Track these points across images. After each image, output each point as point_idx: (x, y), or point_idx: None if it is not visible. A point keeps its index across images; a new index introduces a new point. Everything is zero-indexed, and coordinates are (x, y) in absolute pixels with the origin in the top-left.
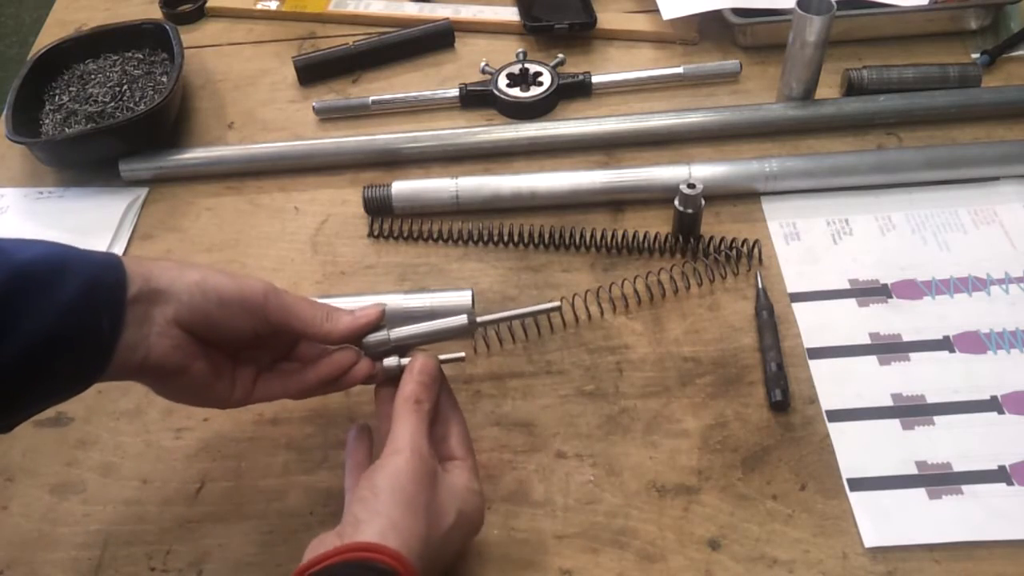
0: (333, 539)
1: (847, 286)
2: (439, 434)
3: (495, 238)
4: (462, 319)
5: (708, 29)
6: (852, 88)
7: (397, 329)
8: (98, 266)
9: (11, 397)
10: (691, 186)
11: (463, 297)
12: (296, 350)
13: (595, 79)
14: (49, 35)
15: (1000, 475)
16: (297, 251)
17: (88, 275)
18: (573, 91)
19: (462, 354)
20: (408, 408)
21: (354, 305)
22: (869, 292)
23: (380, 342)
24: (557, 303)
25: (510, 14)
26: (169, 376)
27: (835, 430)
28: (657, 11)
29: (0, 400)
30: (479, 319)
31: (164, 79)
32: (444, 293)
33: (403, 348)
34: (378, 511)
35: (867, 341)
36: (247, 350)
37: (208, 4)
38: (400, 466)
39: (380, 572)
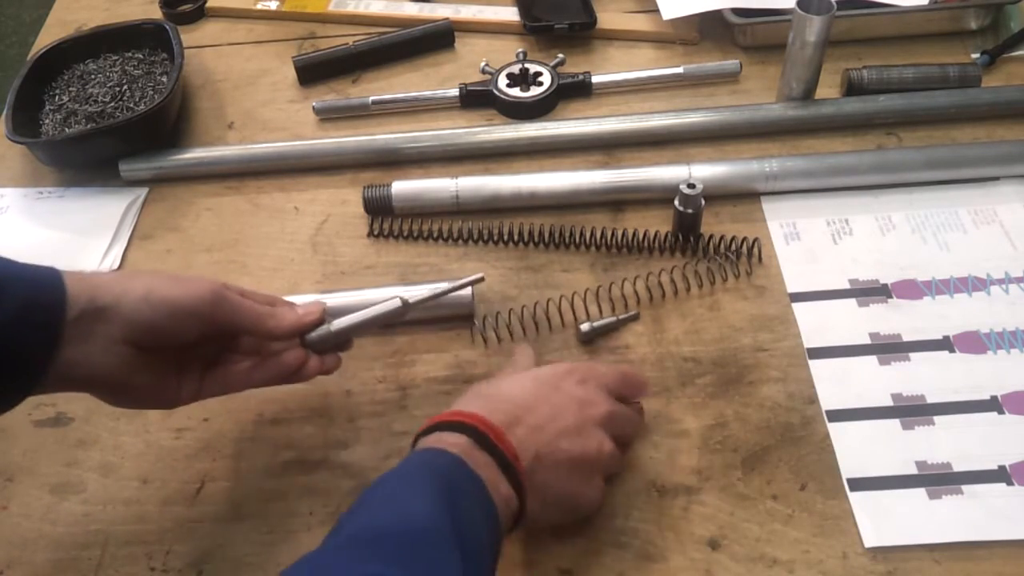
0: None
1: (847, 286)
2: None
3: (495, 238)
4: (396, 302)
5: (708, 29)
6: (852, 88)
7: (336, 321)
8: (35, 286)
9: None
10: (691, 186)
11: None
12: (238, 341)
13: (595, 79)
14: (49, 35)
15: (1000, 475)
16: (297, 251)
17: (24, 296)
18: (573, 91)
19: (480, 275)
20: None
21: (359, 299)
22: (869, 292)
23: (322, 337)
24: (480, 275)
25: (510, 14)
26: (113, 390)
27: (835, 430)
28: (657, 11)
29: None
30: (411, 300)
31: (164, 79)
32: (445, 284)
33: (344, 340)
34: (466, 396)
35: (867, 341)
36: (190, 349)
37: (208, 4)
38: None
39: (459, 426)
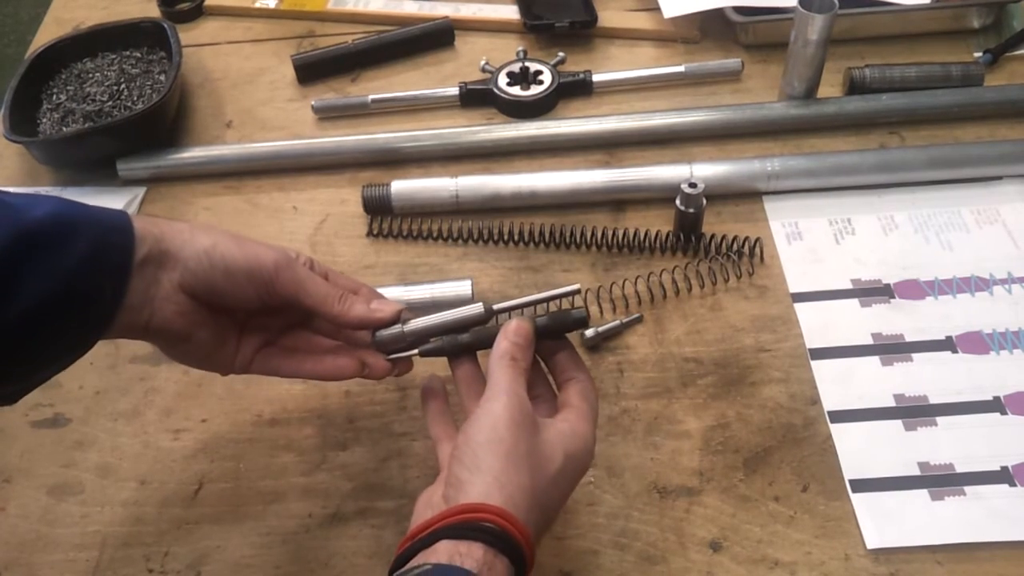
0: (439, 501)
1: (849, 286)
2: (560, 384)
3: (495, 237)
4: (478, 307)
5: (709, 27)
6: (854, 87)
7: (412, 322)
8: (106, 228)
9: (14, 359)
10: (692, 185)
11: (463, 287)
12: (315, 322)
13: (596, 78)
14: (47, 34)
15: (1003, 476)
16: (295, 251)
17: (95, 237)
18: (574, 90)
19: (576, 286)
20: (504, 363)
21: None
22: (871, 292)
23: (394, 337)
24: (576, 286)
25: (510, 12)
26: (173, 340)
27: (837, 431)
28: (658, 9)
29: (2, 363)
30: (495, 307)
31: (162, 78)
32: (444, 284)
33: (417, 343)
34: (479, 468)
35: (869, 341)
36: (257, 317)
37: (206, 2)
38: (497, 413)
39: (487, 531)
